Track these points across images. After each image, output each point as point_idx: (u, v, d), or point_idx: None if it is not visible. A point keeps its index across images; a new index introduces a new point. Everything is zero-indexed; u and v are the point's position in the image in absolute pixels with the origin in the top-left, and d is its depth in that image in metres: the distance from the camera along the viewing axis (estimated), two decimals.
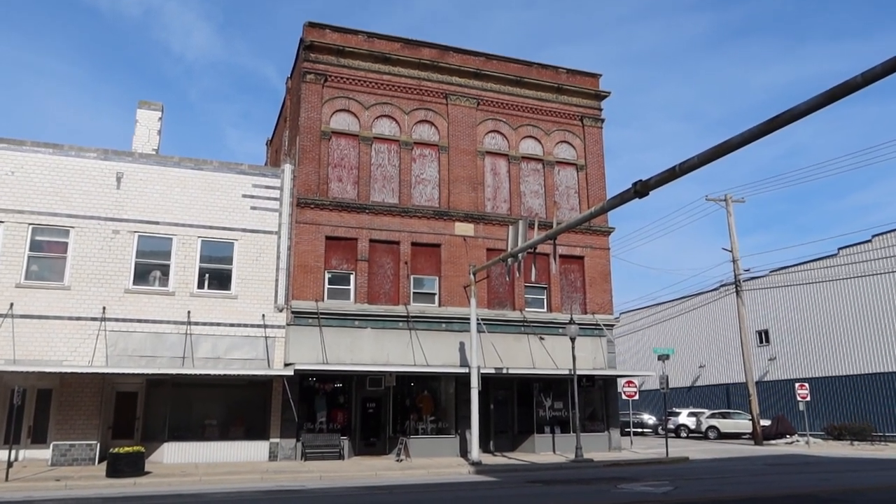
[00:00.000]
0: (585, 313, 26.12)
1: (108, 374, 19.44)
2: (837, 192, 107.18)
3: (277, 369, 21.08)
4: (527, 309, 25.38)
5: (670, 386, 39.47)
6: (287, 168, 23.37)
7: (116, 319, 20.43)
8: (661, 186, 12.82)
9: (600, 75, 28.66)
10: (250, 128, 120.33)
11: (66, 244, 20.57)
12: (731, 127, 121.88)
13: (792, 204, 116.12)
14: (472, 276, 22.31)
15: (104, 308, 20.40)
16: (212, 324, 21.29)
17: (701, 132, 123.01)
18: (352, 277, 23.42)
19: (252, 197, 22.67)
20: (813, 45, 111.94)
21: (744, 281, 33.90)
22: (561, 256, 25.51)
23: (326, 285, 23.07)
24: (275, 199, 22.94)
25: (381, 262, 23.94)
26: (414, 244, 24.35)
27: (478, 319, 22.52)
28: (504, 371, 23.14)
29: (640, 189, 13.05)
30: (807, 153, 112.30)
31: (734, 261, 32.91)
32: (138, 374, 20.02)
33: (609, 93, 28.26)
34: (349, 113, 24.70)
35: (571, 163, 27.48)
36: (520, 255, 19.48)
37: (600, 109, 28.29)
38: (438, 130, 25.75)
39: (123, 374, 19.51)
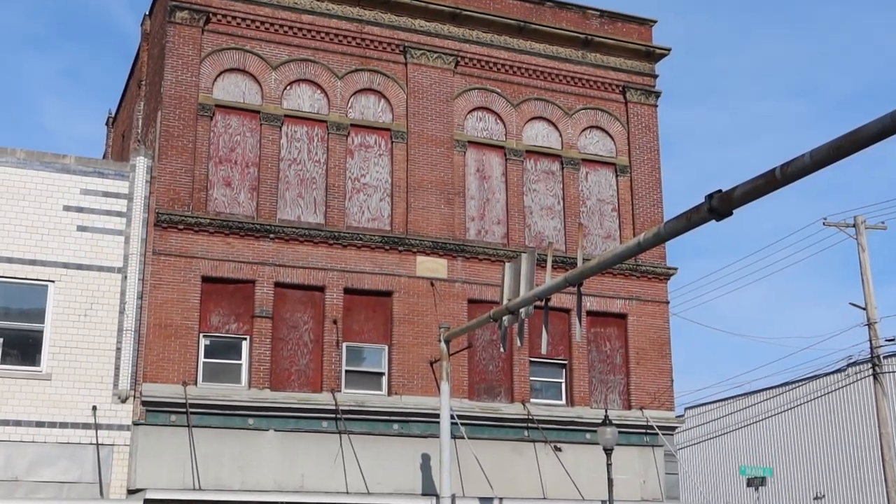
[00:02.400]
0: (629, 408, 26.22)
1: None
2: None
3: (116, 499, 20.80)
4: (533, 400, 25.42)
5: None
6: (141, 163, 23.34)
7: None
8: (753, 201, 12.92)
9: (655, 22, 29.28)
10: (81, 97, 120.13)
11: None
12: (861, 110, 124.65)
13: None
14: (443, 344, 22.28)
15: None
16: (7, 422, 21.00)
17: (815, 116, 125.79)
18: (244, 346, 23.34)
19: (81, 211, 22.62)
20: None
21: (884, 357, 34.25)
22: (590, 314, 25.60)
23: (202, 359, 22.98)
24: (119, 213, 22.91)
25: (295, 320, 23.90)
26: (349, 291, 24.38)
27: (453, 417, 22.47)
28: None
29: (719, 205, 13.15)
30: None
31: (869, 324, 33.32)
32: None
33: (668, 50, 28.79)
34: (246, 75, 24.84)
35: (607, 161, 27.83)
36: (522, 310, 19.49)
37: (654, 77, 28.79)
38: (391, 106, 25.95)
39: None
